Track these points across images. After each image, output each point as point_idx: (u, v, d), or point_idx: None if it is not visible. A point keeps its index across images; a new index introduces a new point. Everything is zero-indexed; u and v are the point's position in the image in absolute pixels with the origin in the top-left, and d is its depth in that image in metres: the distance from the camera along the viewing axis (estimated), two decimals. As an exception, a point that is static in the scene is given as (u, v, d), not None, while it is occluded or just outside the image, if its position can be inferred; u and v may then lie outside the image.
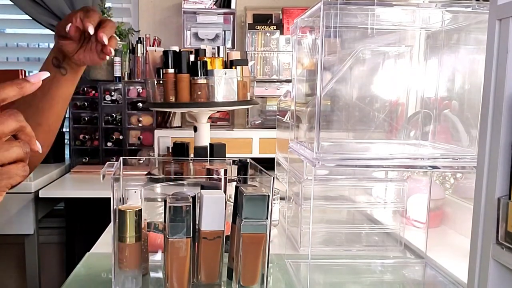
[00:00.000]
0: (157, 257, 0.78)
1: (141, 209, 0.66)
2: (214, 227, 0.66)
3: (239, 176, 0.75)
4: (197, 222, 0.67)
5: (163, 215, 0.66)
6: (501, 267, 0.47)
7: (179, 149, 1.42)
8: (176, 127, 1.98)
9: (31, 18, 2.09)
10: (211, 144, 1.36)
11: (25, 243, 1.68)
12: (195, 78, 1.35)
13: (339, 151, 0.79)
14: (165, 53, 1.37)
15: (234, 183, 0.72)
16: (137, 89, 1.97)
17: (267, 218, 0.65)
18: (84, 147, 2.02)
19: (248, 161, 0.76)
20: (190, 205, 0.64)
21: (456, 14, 0.79)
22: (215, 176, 0.76)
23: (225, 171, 0.77)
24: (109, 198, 0.63)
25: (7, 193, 0.51)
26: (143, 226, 0.68)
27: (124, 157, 0.75)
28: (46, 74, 0.51)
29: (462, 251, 0.71)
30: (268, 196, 0.65)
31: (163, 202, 0.66)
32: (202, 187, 0.69)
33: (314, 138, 0.72)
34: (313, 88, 0.78)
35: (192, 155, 1.42)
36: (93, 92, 1.98)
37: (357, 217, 1.03)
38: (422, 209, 0.94)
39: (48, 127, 0.88)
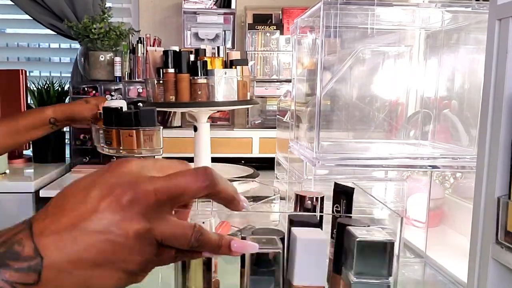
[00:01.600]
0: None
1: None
2: (312, 282, 0.47)
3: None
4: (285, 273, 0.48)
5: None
6: (500, 267, 0.48)
7: (109, 115, 1.16)
8: (176, 126, 1.99)
9: (31, 18, 2.09)
10: (136, 109, 1.15)
11: (26, 243, 1.68)
12: (195, 78, 1.34)
13: (339, 151, 0.79)
14: (165, 53, 1.37)
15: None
16: (137, 89, 1.97)
17: (389, 276, 0.45)
18: (85, 147, 2.02)
19: (354, 188, 0.56)
20: (280, 252, 0.46)
21: (456, 14, 0.79)
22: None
23: (321, 199, 0.56)
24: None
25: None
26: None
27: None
28: (255, 249, 0.40)
29: (462, 251, 0.71)
30: (393, 243, 0.45)
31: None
32: (292, 222, 0.50)
33: (314, 137, 0.72)
34: (313, 88, 0.78)
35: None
36: (94, 92, 1.98)
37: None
38: (422, 208, 0.94)
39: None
